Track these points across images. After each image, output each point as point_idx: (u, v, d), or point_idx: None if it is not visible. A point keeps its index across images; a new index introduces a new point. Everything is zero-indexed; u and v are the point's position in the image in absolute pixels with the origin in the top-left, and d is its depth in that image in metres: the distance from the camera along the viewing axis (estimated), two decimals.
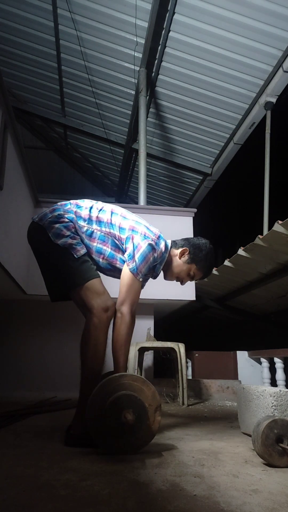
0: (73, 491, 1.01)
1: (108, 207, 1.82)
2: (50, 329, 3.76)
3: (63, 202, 1.84)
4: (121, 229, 1.73)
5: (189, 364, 4.11)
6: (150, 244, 1.69)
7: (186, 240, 1.86)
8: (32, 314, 3.79)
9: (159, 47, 4.26)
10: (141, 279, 1.69)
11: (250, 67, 4.16)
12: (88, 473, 1.16)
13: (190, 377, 3.96)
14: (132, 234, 1.70)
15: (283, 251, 3.30)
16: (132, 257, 1.66)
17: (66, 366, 3.64)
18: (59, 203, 1.83)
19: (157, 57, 4.39)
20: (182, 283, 1.89)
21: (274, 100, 4.36)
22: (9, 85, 5.45)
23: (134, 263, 1.66)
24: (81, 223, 1.74)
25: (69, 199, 2.37)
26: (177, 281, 1.89)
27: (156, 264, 1.78)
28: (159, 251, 1.74)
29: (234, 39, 3.93)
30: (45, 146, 7.09)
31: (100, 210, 1.79)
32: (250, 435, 1.55)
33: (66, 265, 1.66)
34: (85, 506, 0.92)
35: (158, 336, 3.72)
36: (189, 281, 1.89)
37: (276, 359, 3.62)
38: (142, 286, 1.81)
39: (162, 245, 1.77)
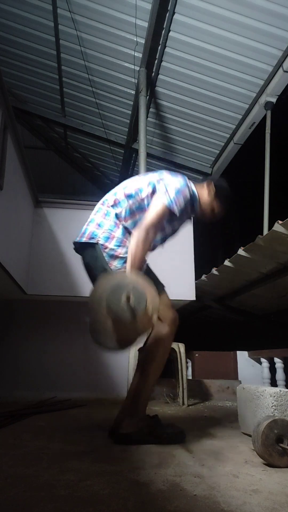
0: (73, 491, 1.01)
1: (127, 181, 1.86)
2: (50, 329, 3.76)
3: (95, 209, 1.85)
4: (150, 183, 1.75)
5: (189, 364, 4.11)
6: (183, 180, 1.72)
7: (206, 178, 1.94)
8: (32, 314, 3.79)
9: (159, 47, 4.25)
10: (177, 212, 1.67)
11: (250, 67, 4.15)
12: (88, 473, 1.16)
13: (190, 377, 3.96)
14: (160, 179, 1.73)
15: (283, 251, 3.30)
16: (165, 191, 1.66)
17: (66, 366, 3.64)
18: (94, 215, 1.82)
19: (157, 57, 4.38)
20: (205, 218, 1.94)
21: (274, 100, 4.36)
22: (9, 85, 5.44)
23: (168, 196, 1.65)
24: (117, 210, 1.75)
25: (69, 199, 2.39)
26: (200, 217, 1.93)
27: (193, 203, 1.81)
28: (191, 188, 1.76)
29: (234, 39, 3.92)
30: (45, 146, 7.09)
31: (124, 187, 1.81)
32: (250, 435, 1.55)
33: None
34: (85, 506, 0.92)
35: None
36: (208, 218, 1.94)
37: (276, 359, 3.63)
38: (177, 230, 1.87)
39: (191, 185, 1.80)
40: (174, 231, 1.89)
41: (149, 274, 1.77)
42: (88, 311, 1.45)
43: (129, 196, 1.76)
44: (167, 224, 1.77)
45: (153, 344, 1.69)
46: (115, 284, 1.44)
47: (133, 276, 1.53)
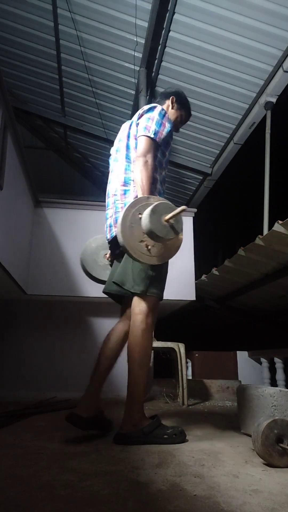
0: (73, 491, 1.01)
1: (113, 149, 2.04)
2: (50, 329, 3.76)
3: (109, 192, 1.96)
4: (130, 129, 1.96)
5: (189, 364, 4.11)
6: (162, 110, 1.86)
7: (164, 93, 2.07)
8: (32, 314, 3.79)
9: (159, 47, 4.25)
10: (160, 144, 1.83)
11: (250, 67, 4.15)
12: (88, 473, 1.16)
13: (190, 377, 3.96)
14: (139, 118, 1.90)
15: (283, 251, 3.30)
16: (146, 128, 1.80)
17: (66, 366, 3.64)
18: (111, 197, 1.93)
19: (157, 57, 4.38)
20: (178, 130, 2.11)
21: (274, 100, 4.35)
22: (9, 85, 5.44)
23: (152, 130, 1.79)
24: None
25: (69, 199, 2.39)
26: (175, 130, 2.08)
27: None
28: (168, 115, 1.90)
29: (234, 39, 3.92)
30: (45, 146, 7.09)
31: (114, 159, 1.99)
32: (250, 435, 1.55)
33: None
34: (85, 506, 0.92)
35: (158, 336, 3.72)
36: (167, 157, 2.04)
37: (276, 359, 3.63)
38: (167, 157, 1.95)
39: (165, 109, 1.97)
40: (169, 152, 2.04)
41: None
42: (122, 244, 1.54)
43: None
44: (165, 149, 1.91)
45: (132, 340, 1.67)
46: (151, 209, 1.50)
47: (159, 198, 1.61)
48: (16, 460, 1.31)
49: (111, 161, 2.06)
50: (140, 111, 1.91)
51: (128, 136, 1.93)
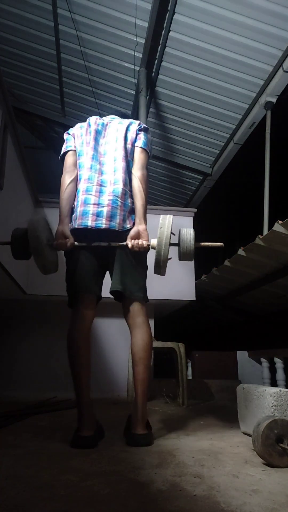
0: (73, 491, 1.01)
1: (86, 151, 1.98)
2: (49, 329, 3.76)
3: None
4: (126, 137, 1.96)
5: (189, 364, 4.11)
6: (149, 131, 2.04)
7: (124, 114, 2.27)
8: (32, 314, 3.79)
9: (159, 47, 4.25)
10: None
11: (250, 67, 4.15)
12: (88, 473, 1.16)
13: (190, 377, 3.96)
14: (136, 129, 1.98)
15: (283, 251, 3.31)
16: (146, 144, 1.94)
17: (66, 366, 3.63)
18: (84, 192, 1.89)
19: (157, 57, 4.38)
20: None
21: (274, 100, 4.35)
22: (9, 85, 5.44)
23: (149, 147, 1.96)
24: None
25: None
26: None
27: None
28: None
29: (234, 39, 3.92)
30: (45, 146, 7.09)
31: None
32: (250, 435, 1.55)
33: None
34: (85, 506, 0.92)
35: (158, 336, 3.72)
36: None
37: (276, 359, 3.63)
38: None
39: None
40: None
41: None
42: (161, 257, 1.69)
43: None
44: None
45: (147, 341, 1.77)
46: (194, 233, 1.75)
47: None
48: (16, 460, 1.31)
49: (82, 147, 1.95)
50: (139, 124, 1.98)
51: (126, 139, 1.91)
